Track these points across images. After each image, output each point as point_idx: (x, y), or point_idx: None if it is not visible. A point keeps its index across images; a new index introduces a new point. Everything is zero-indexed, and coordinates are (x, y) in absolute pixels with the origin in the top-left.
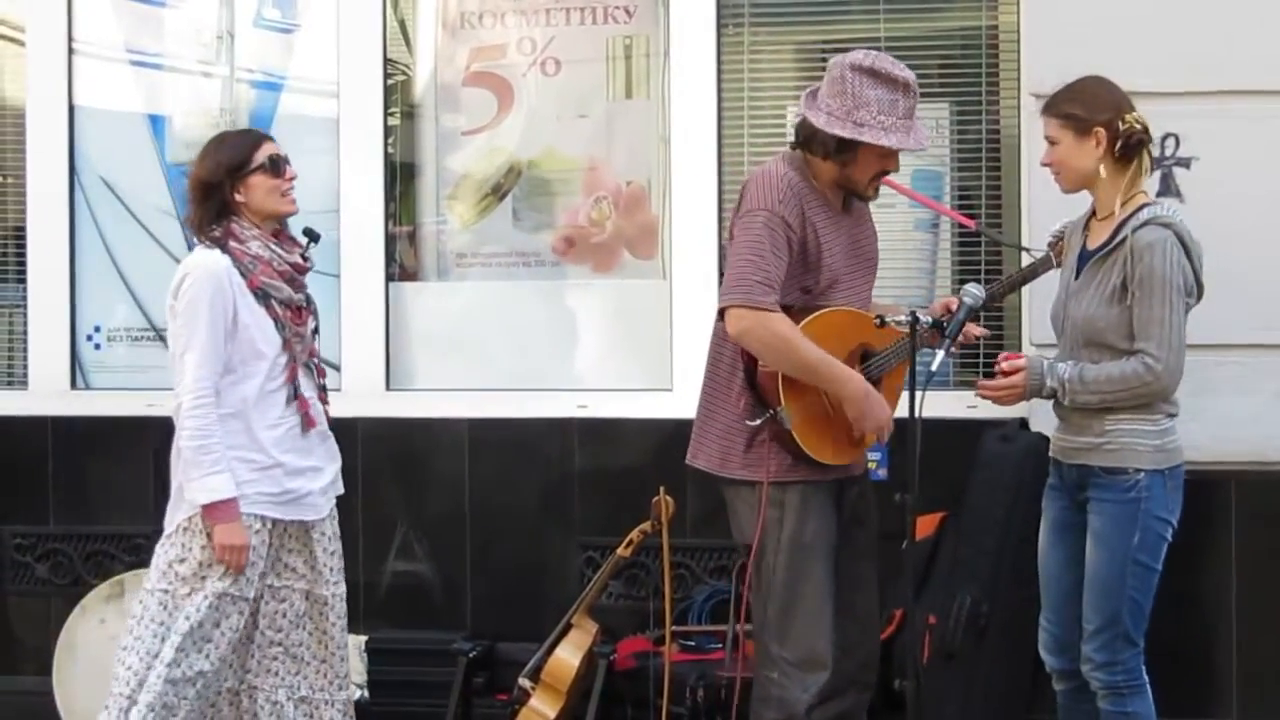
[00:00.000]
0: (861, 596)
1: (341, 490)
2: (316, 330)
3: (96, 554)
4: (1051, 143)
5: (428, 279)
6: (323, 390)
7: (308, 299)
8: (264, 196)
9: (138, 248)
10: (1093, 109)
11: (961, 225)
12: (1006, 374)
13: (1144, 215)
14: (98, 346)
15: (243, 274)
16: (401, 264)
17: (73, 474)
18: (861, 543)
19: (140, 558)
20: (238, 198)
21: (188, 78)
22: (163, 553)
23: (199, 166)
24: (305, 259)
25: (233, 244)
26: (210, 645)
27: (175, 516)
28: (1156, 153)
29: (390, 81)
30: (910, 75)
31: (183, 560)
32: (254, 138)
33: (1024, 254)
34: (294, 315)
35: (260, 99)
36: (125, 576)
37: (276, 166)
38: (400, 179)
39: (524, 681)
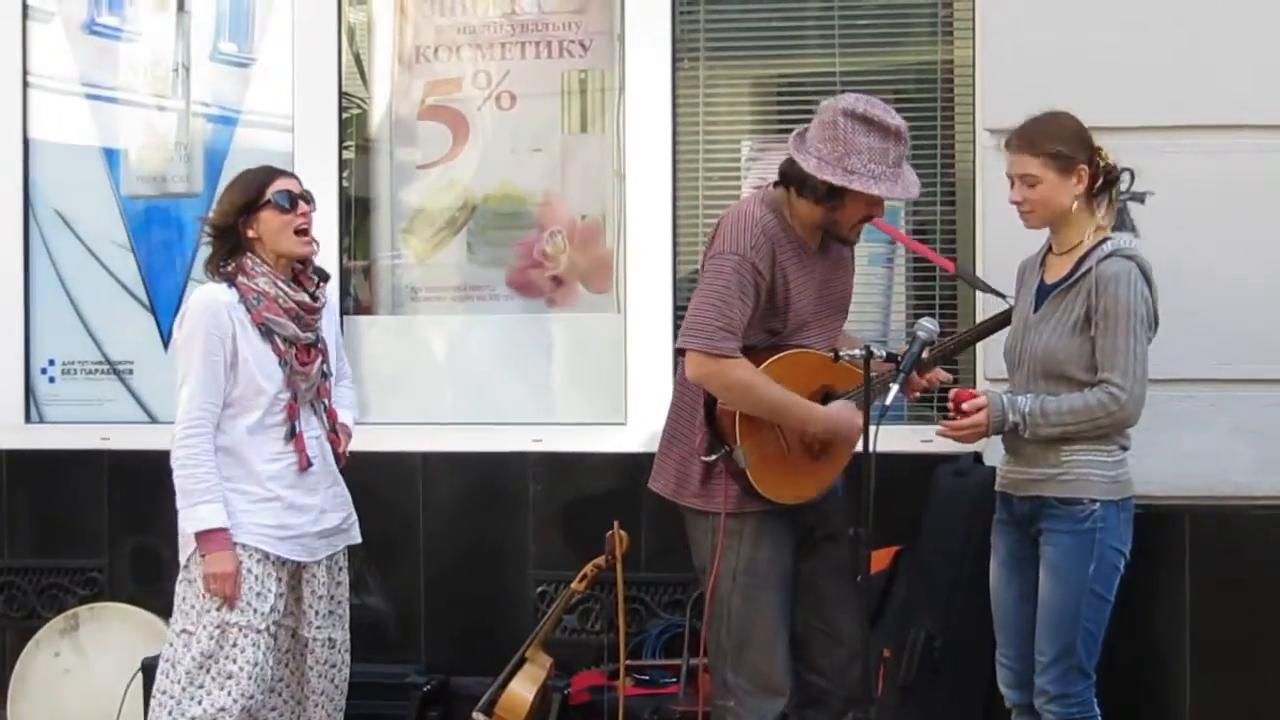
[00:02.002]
0: (844, 615)
1: (355, 539)
2: (327, 372)
3: (51, 587)
4: (1030, 183)
5: (382, 312)
6: (334, 432)
7: (318, 338)
8: (275, 233)
9: (92, 281)
10: (1075, 147)
11: (943, 268)
12: (967, 414)
13: (1107, 248)
14: (52, 380)
15: (248, 309)
16: (356, 297)
17: (27, 507)
18: (838, 559)
19: (94, 591)
20: (251, 234)
21: (143, 111)
22: (179, 590)
23: (215, 209)
24: (315, 298)
25: (241, 279)
26: (231, 681)
27: (184, 552)
28: None
29: (345, 115)
30: (902, 123)
31: (197, 595)
32: (266, 173)
33: (986, 299)
34: (300, 353)
35: (216, 132)
36: (79, 610)
37: (289, 202)
38: (355, 212)
39: (478, 716)
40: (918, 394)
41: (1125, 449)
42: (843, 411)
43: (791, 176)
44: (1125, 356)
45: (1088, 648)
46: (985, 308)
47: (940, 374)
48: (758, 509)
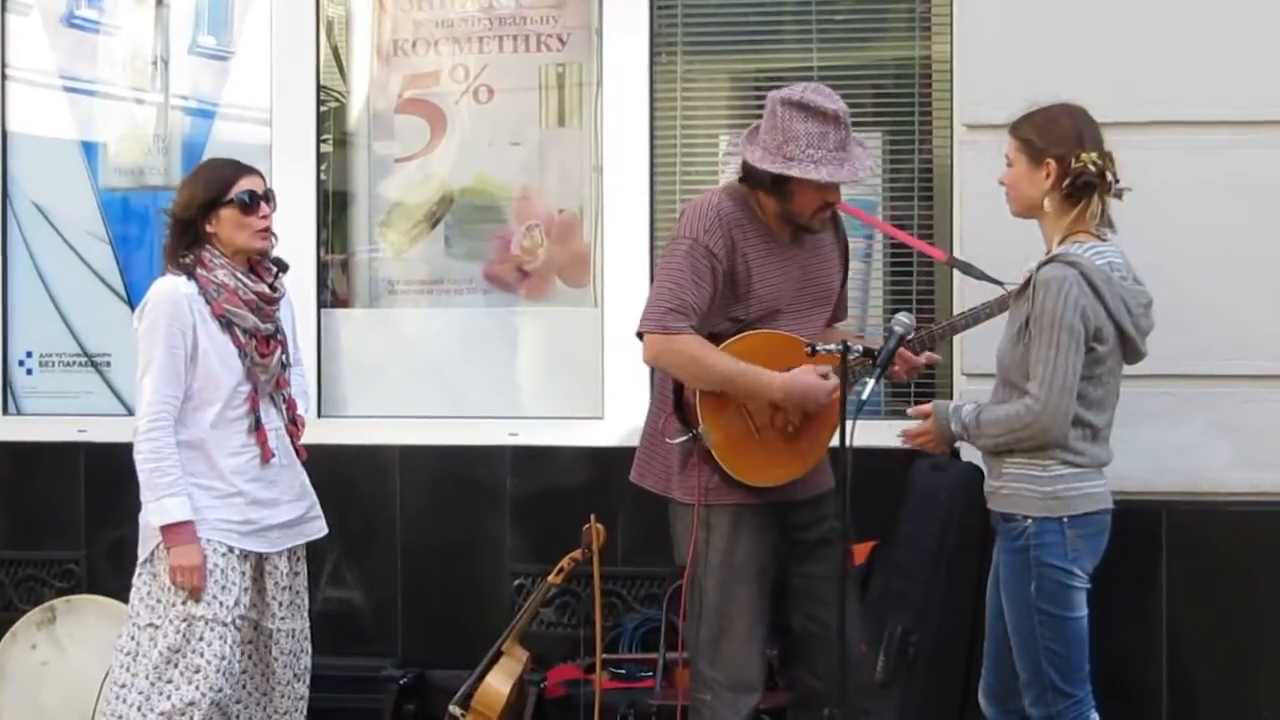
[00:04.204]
0: (840, 619)
1: (321, 532)
2: (286, 363)
3: (28, 580)
4: (1008, 163)
5: (359, 306)
6: (293, 424)
7: (277, 329)
8: (233, 231)
9: (70, 273)
10: (1049, 139)
11: (933, 258)
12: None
13: (1056, 251)
14: (30, 372)
15: (207, 300)
16: (334, 291)
17: (3, 499)
18: (836, 562)
19: (71, 583)
20: (209, 229)
21: (121, 104)
22: (140, 584)
23: (176, 200)
24: (274, 289)
25: (200, 271)
26: (199, 675)
27: (146, 545)
28: None
29: (323, 108)
30: (840, 107)
31: (162, 589)
32: (230, 170)
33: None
34: (260, 345)
35: (194, 126)
36: (56, 602)
37: (251, 203)
38: (333, 206)
39: (455, 709)
40: (906, 377)
41: (1074, 465)
42: (804, 376)
43: (747, 172)
44: (1044, 367)
45: (1058, 668)
46: (963, 303)
47: (932, 356)
48: (734, 501)
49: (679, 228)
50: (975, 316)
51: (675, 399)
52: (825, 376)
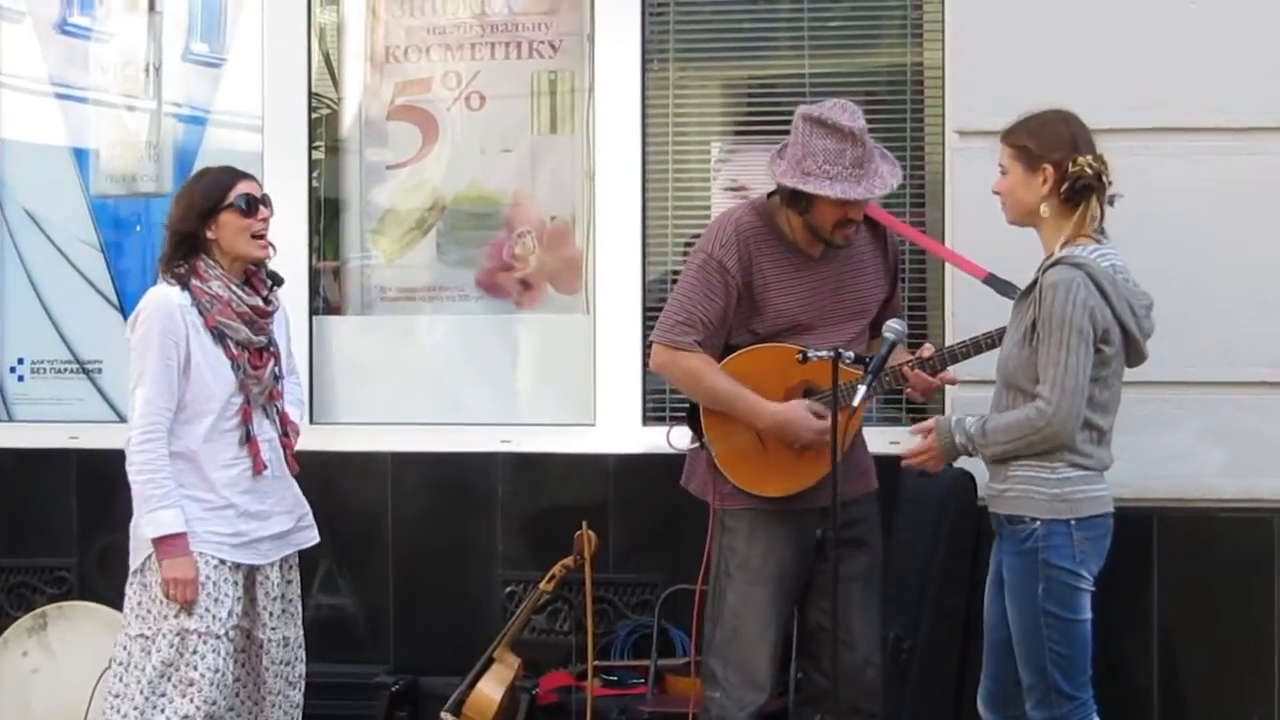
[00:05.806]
0: (859, 621)
1: (312, 540)
2: (279, 375)
3: (19, 586)
4: (1002, 171)
5: (351, 313)
6: (285, 436)
7: (270, 342)
8: (233, 236)
9: (62, 280)
10: (1045, 145)
11: (971, 274)
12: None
13: (1060, 254)
14: (21, 379)
15: (201, 312)
16: (325, 298)
17: None
18: (861, 565)
19: (63, 590)
20: (209, 235)
21: (113, 111)
22: (131, 594)
23: (172, 213)
24: (268, 302)
25: (195, 282)
26: (193, 689)
27: (137, 555)
28: None
29: (315, 115)
30: (859, 124)
31: (154, 600)
32: (228, 176)
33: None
34: (253, 357)
35: (186, 132)
36: (48, 609)
37: (249, 207)
38: (325, 213)
39: (446, 716)
40: (923, 398)
41: (1081, 467)
42: (793, 411)
43: (777, 186)
44: (1055, 369)
45: (1063, 670)
46: (954, 311)
47: (946, 376)
48: (752, 506)
49: (700, 241)
50: (1003, 335)
51: (690, 408)
52: (821, 415)
